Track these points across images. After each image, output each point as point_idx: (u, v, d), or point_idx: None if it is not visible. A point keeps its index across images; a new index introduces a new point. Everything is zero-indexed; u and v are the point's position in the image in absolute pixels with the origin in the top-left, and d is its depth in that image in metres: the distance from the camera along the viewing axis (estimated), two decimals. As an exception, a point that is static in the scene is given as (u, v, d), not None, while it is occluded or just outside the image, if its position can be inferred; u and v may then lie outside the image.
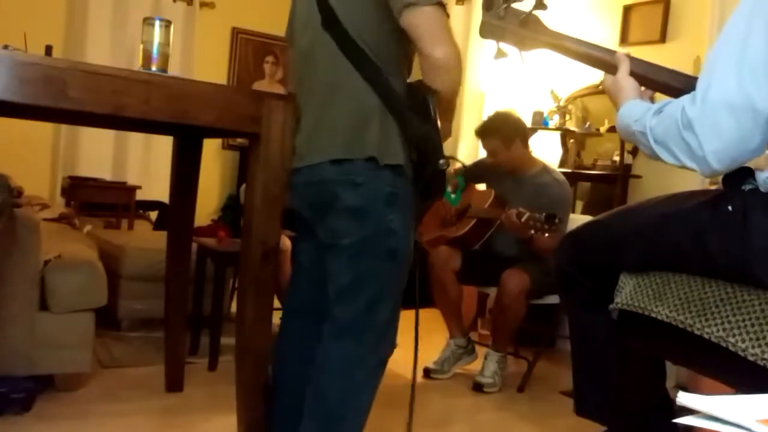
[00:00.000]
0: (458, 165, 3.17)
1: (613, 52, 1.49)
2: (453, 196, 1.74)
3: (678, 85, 1.39)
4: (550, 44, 1.52)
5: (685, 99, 1.23)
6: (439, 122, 1.62)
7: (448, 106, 1.67)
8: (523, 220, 2.80)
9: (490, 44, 1.59)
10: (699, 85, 1.22)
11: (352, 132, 1.60)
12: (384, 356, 1.73)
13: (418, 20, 1.51)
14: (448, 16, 1.57)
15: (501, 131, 3.12)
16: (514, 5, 1.53)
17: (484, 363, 3.11)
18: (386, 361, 1.75)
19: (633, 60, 1.45)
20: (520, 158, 3.19)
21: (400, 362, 3.47)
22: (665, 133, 1.26)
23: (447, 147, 5.37)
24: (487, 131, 3.16)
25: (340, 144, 1.62)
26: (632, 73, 1.43)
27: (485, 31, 1.55)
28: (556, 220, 2.74)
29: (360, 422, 1.71)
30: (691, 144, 1.21)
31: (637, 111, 1.34)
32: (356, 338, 1.68)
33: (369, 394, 1.71)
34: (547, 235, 2.78)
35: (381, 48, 1.59)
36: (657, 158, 1.31)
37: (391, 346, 1.76)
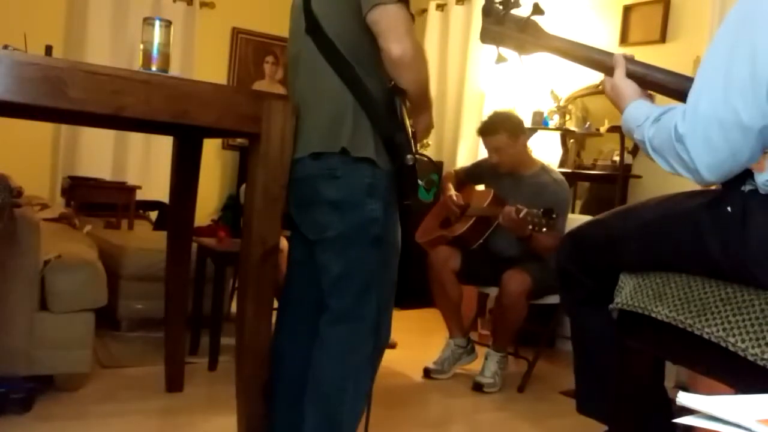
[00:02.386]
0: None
1: (611, 54, 1.49)
2: (427, 193, 1.78)
3: (674, 86, 1.39)
4: (549, 48, 1.54)
5: (677, 112, 1.25)
6: (407, 121, 1.71)
7: (419, 101, 1.75)
8: (521, 216, 2.80)
9: (491, 47, 1.60)
10: (689, 99, 1.24)
11: (328, 127, 1.70)
12: (380, 343, 1.78)
13: (380, 17, 1.58)
14: (412, 16, 1.63)
15: (507, 125, 3.15)
16: (513, 11, 1.55)
17: (484, 363, 3.10)
18: (383, 348, 1.80)
19: (630, 61, 1.45)
20: (523, 155, 3.22)
21: (400, 362, 3.46)
22: (661, 145, 1.29)
23: (447, 147, 5.40)
24: (492, 127, 3.16)
25: (318, 138, 1.72)
26: (629, 75, 1.44)
27: (485, 37, 1.59)
28: (554, 215, 2.75)
29: (358, 408, 1.75)
30: (684, 157, 1.24)
31: (640, 115, 1.35)
32: (351, 326, 1.73)
33: (366, 380, 1.76)
34: (545, 230, 2.78)
35: (358, 50, 1.67)
36: (656, 162, 1.33)
37: (387, 332, 1.81)
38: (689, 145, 1.21)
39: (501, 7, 1.56)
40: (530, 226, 2.80)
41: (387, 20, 1.57)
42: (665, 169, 1.31)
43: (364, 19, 1.60)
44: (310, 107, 1.75)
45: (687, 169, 1.25)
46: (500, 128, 3.13)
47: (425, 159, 1.78)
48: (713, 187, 1.40)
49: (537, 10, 1.51)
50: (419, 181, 1.72)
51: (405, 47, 1.57)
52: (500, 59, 1.61)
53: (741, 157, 1.20)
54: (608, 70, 1.47)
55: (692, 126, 1.21)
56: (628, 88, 1.42)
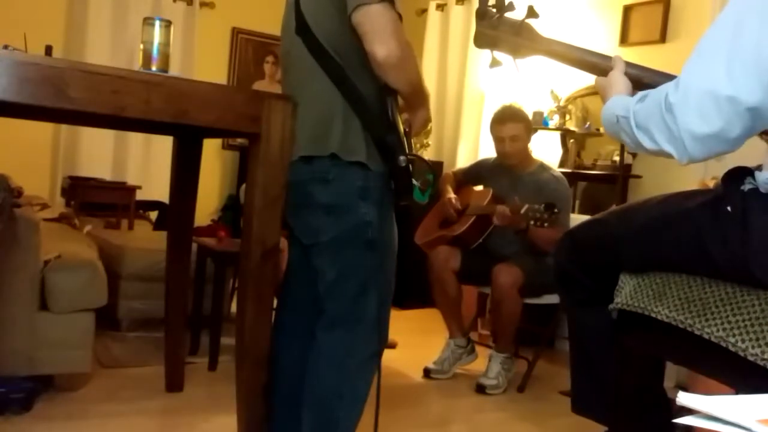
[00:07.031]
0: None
1: (606, 57, 1.49)
2: (422, 194, 1.76)
3: None
4: (544, 51, 1.54)
5: (670, 84, 1.23)
6: (400, 121, 1.68)
7: (412, 99, 1.73)
8: (522, 212, 2.80)
9: (486, 52, 1.60)
10: (684, 70, 1.21)
11: (317, 130, 1.68)
12: (377, 347, 1.76)
13: (364, 19, 1.54)
14: (399, 15, 1.58)
15: (523, 117, 3.21)
16: (507, 14, 1.54)
17: (488, 365, 3.09)
18: (380, 353, 1.78)
19: (626, 63, 1.45)
20: (528, 152, 3.25)
21: (400, 362, 3.46)
22: (647, 117, 1.25)
23: (447, 147, 5.37)
24: (512, 115, 3.18)
25: (308, 141, 1.71)
26: (626, 75, 1.44)
27: (480, 41, 1.58)
28: (555, 210, 2.75)
29: (355, 412, 1.74)
30: (671, 128, 1.20)
31: (625, 99, 1.34)
32: (347, 329, 1.72)
33: (363, 385, 1.74)
34: (546, 225, 2.77)
35: (346, 51, 1.64)
36: (638, 145, 1.29)
37: (384, 337, 1.80)
38: (678, 115, 1.18)
39: (495, 11, 1.55)
40: (532, 222, 2.79)
41: (370, 22, 1.53)
42: (647, 147, 1.26)
43: (349, 20, 1.57)
44: (300, 108, 1.74)
45: (672, 142, 1.21)
46: (518, 119, 3.18)
47: (420, 159, 1.76)
48: (713, 186, 1.39)
49: (531, 13, 1.50)
50: (414, 182, 1.69)
51: (390, 49, 1.54)
52: (495, 63, 1.59)
53: (730, 133, 1.17)
54: (603, 73, 1.47)
55: (684, 96, 1.18)
56: (623, 82, 1.41)
